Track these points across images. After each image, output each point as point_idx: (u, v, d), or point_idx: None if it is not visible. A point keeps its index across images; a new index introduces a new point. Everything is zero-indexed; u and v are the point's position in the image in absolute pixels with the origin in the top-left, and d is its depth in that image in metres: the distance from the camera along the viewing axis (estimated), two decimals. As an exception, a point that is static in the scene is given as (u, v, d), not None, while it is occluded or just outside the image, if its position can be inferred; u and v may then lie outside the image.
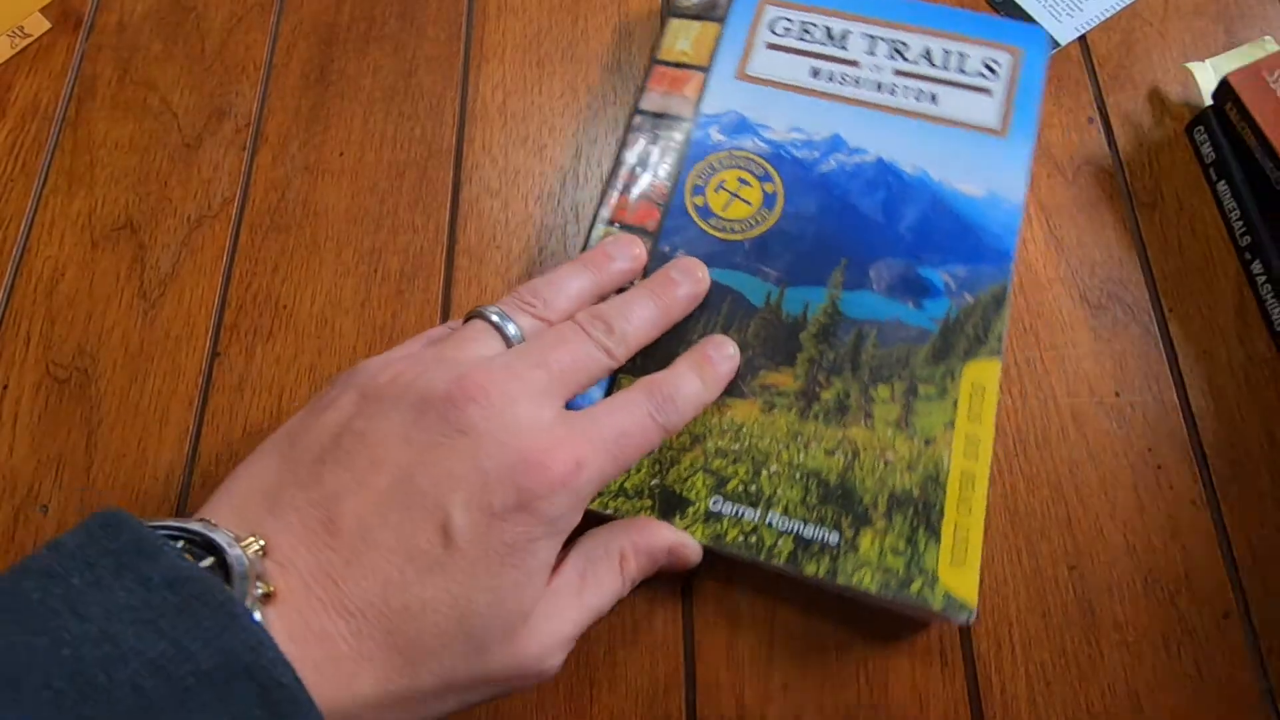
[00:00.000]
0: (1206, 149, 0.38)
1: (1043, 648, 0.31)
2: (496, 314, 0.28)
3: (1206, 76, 0.39)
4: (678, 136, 0.37)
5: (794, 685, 0.30)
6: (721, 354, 0.30)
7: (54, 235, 0.40)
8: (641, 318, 0.29)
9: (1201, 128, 0.38)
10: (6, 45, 0.44)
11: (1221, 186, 0.37)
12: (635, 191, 0.35)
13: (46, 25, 0.45)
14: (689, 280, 0.31)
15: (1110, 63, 0.41)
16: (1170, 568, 0.32)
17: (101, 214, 0.40)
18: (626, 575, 0.27)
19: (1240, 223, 0.36)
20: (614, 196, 0.35)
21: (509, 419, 0.24)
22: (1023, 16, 0.42)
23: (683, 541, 0.28)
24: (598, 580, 0.26)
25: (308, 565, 0.22)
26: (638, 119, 0.37)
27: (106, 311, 0.38)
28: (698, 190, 0.35)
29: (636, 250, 0.33)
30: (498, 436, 0.23)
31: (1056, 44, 0.42)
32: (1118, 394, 0.34)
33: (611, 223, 0.35)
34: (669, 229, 0.35)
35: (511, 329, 0.28)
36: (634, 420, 0.26)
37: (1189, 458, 0.33)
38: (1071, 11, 0.42)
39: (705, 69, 0.38)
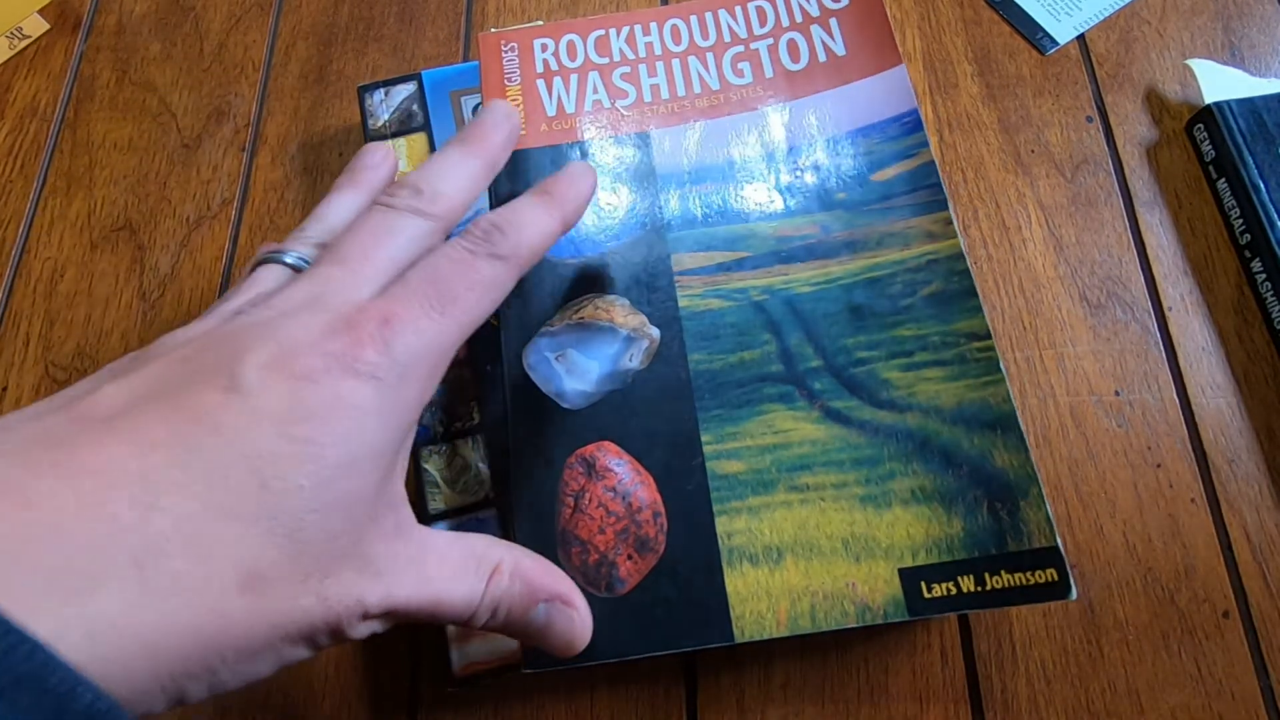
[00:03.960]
0: (1207, 147, 0.38)
1: (1043, 646, 0.31)
2: (276, 249, 0.24)
3: (1207, 74, 0.39)
4: None
5: (794, 685, 0.31)
6: (569, 179, 0.26)
7: (53, 236, 0.40)
8: (454, 173, 0.25)
9: (1201, 126, 0.38)
10: (5, 46, 0.44)
11: (1221, 185, 0.37)
12: None
13: (45, 26, 0.45)
14: (501, 126, 0.27)
15: (1109, 61, 0.41)
16: (1170, 566, 0.32)
17: (100, 215, 0.40)
18: (490, 592, 0.22)
19: (1240, 221, 0.36)
20: None
21: (294, 312, 0.20)
22: (1021, 15, 0.42)
23: (570, 599, 0.24)
24: (456, 570, 0.22)
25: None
26: None
27: (106, 313, 0.38)
28: None
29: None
30: (290, 319, 0.20)
31: (1056, 43, 0.42)
32: (1117, 393, 0.34)
33: None
34: (481, 348, 0.34)
35: (290, 257, 0.24)
36: (447, 259, 0.22)
37: (1189, 457, 0.33)
38: (1070, 10, 0.42)
39: None
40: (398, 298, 0.21)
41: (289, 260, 0.24)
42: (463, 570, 0.22)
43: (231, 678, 0.18)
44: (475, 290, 0.22)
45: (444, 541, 0.22)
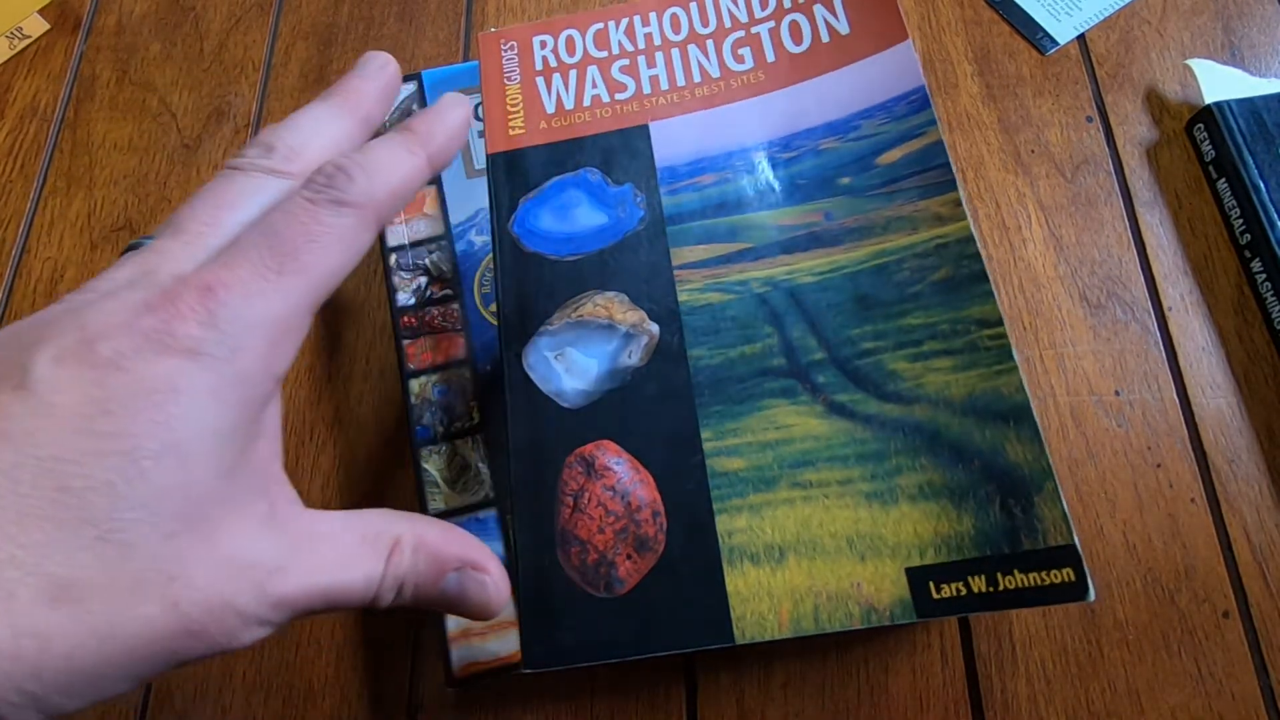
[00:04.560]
0: (1207, 147, 0.38)
1: (1043, 646, 0.31)
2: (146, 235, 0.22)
3: (1207, 74, 0.39)
4: (442, 256, 0.35)
5: (794, 685, 0.31)
6: (436, 112, 0.23)
7: (53, 236, 0.40)
8: (315, 128, 0.22)
9: (1201, 126, 0.38)
10: (5, 46, 0.44)
11: (1221, 185, 0.37)
12: (428, 329, 0.35)
13: (45, 26, 0.45)
14: (373, 77, 0.24)
15: (1109, 61, 0.41)
16: (1170, 566, 0.32)
17: (100, 215, 0.40)
18: (391, 571, 0.20)
19: (1240, 221, 0.36)
20: (408, 347, 0.35)
21: (114, 292, 0.18)
22: (1021, 15, 0.42)
23: (481, 563, 0.22)
24: (350, 553, 0.20)
25: None
26: (393, 258, 0.36)
27: (106, 313, 0.38)
28: (488, 298, 0.35)
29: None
30: (107, 300, 0.18)
31: (1056, 43, 0.42)
32: (1117, 393, 0.34)
33: (418, 374, 0.34)
34: (481, 348, 0.34)
35: (148, 241, 0.21)
36: (283, 212, 0.20)
37: (1189, 456, 0.33)
38: (1070, 10, 0.42)
39: (434, 180, 0.37)
40: (224, 262, 0.19)
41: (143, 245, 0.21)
42: (358, 551, 0.20)
43: (67, 701, 0.16)
44: (319, 243, 0.20)
45: (334, 523, 0.20)
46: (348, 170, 0.21)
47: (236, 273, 0.18)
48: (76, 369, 0.17)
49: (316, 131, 0.22)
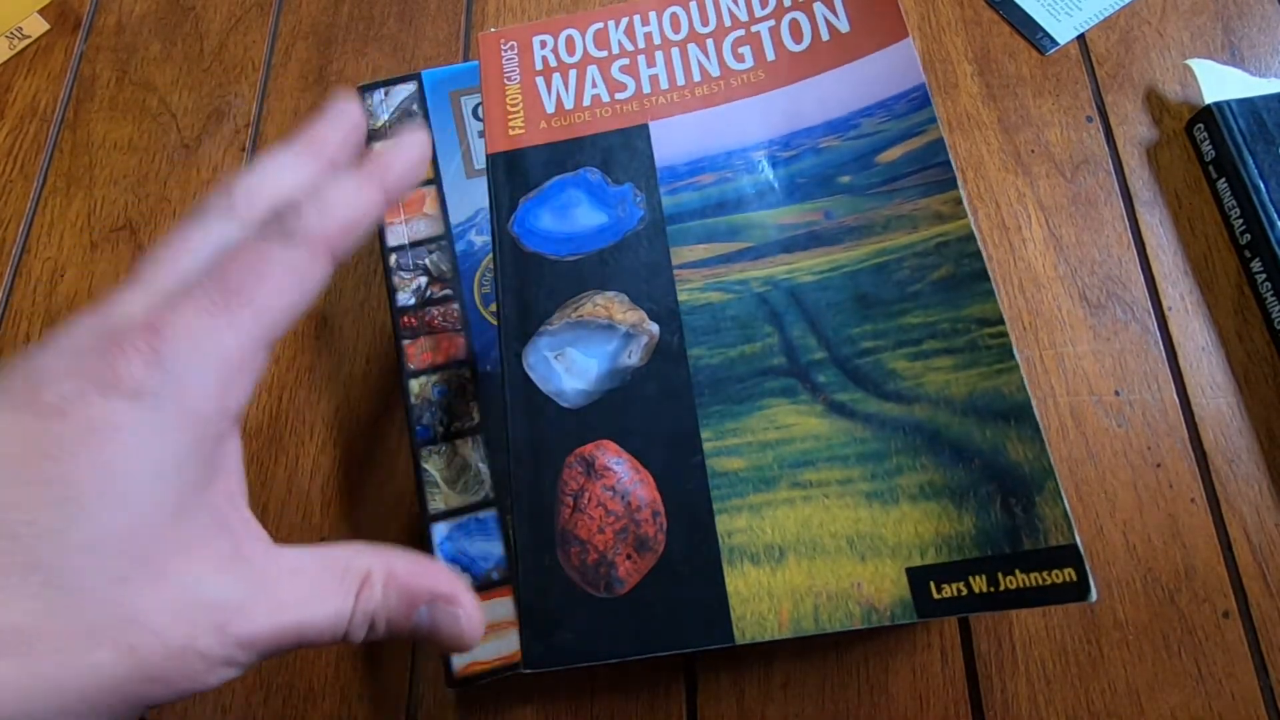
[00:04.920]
0: (1207, 147, 0.38)
1: (1043, 646, 0.31)
2: None
3: (1207, 74, 0.39)
4: (442, 256, 0.36)
5: (794, 685, 0.31)
6: (394, 147, 0.24)
7: (53, 236, 0.40)
8: (278, 174, 0.23)
9: (1201, 126, 0.38)
10: (5, 46, 0.44)
11: (1221, 185, 0.37)
12: (428, 329, 0.35)
13: (45, 26, 0.45)
14: (336, 122, 0.24)
15: (1109, 61, 0.41)
16: (1170, 567, 0.32)
17: (100, 215, 0.40)
18: (361, 606, 0.20)
19: (1240, 221, 0.36)
20: (408, 347, 0.35)
21: (70, 338, 0.18)
22: (1021, 15, 0.42)
23: (453, 596, 0.22)
24: (317, 588, 0.20)
25: None
26: (393, 258, 0.36)
27: (106, 313, 0.38)
28: (488, 298, 0.35)
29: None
30: (60, 345, 0.18)
31: (1056, 43, 0.42)
32: (1117, 393, 0.34)
33: (418, 374, 0.34)
34: (481, 348, 0.34)
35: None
36: (232, 252, 0.20)
37: (1189, 457, 0.33)
38: (1070, 10, 0.42)
39: (434, 180, 0.37)
40: (173, 304, 0.19)
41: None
42: (326, 587, 0.20)
43: None
44: (268, 280, 0.20)
45: (302, 559, 0.20)
46: (297, 206, 0.21)
47: (182, 312, 0.19)
48: (22, 416, 0.17)
49: (278, 175, 0.22)
